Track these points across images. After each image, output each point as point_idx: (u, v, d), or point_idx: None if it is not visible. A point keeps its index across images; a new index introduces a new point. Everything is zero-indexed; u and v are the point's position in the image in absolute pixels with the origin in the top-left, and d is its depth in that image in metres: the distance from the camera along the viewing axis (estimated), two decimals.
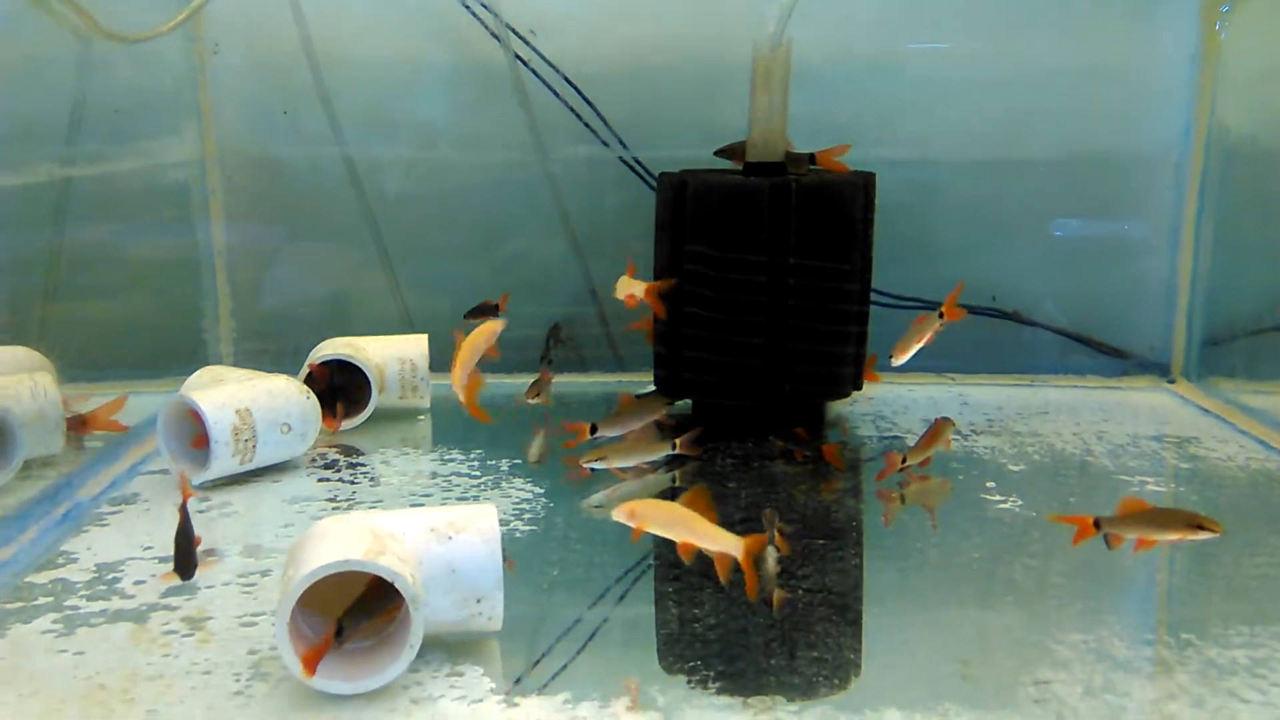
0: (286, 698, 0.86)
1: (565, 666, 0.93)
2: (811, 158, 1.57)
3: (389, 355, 1.61)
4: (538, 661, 0.93)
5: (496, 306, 1.72)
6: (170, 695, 0.87)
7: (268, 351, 1.82)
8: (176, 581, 1.00)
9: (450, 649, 0.94)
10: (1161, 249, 1.81)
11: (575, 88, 1.79)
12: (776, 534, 1.11)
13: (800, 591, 1.05)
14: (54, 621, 0.99)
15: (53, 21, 1.30)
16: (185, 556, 0.98)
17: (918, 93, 1.79)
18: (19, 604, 1.02)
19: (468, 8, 1.76)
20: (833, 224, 1.47)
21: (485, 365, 1.24)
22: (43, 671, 0.90)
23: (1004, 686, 0.89)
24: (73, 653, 0.93)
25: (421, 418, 1.64)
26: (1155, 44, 1.77)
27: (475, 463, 1.42)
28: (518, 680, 0.90)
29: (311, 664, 0.84)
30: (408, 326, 1.84)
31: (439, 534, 0.92)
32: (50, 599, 1.03)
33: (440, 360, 1.60)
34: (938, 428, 1.36)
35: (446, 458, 1.45)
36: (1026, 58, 1.78)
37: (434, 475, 1.38)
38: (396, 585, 0.86)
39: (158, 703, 0.86)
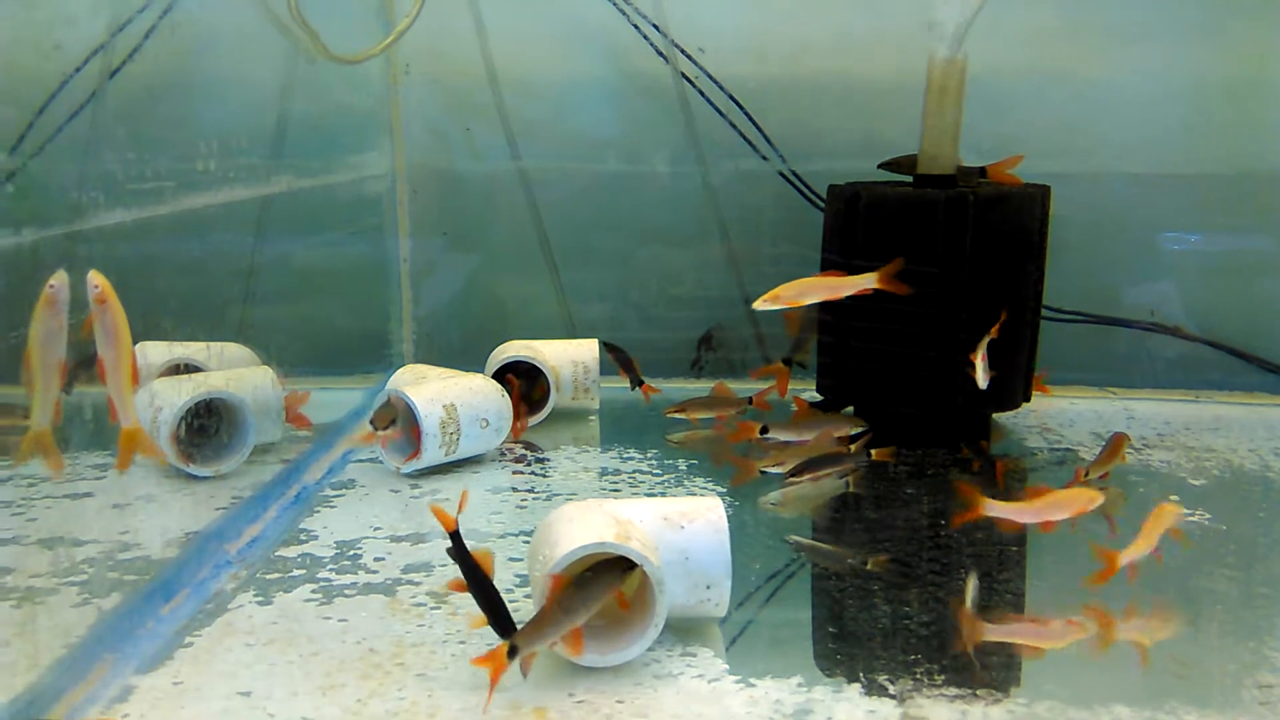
0: (542, 668, 0.94)
1: (790, 652, 0.98)
2: (983, 171, 1.59)
3: (563, 358, 1.70)
4: (726, 638, 0.99)
5: (635, 367, 1.73)
6: (435, 661, 0.95)
7: (442, 351, 1.94)
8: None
9: (678, 632, 1.01)
10: None
11: (738, 103, 1.86)
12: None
13: (1007, 596, 1.08)
14: (313, 591, 1.09)
15: (291, 44, 1.42)
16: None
17: (1084, 106, 1.80)
18: (276, 575, 1.13)
19: (637, 28, 1.85)
20: (1009, 237, 1.49)
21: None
22: (317, 635, 1.00)
23: (1226, 689, 0.91)
24: (337, 620, 1.03)
25: (592, 418, 1.72)
26: None
27: (654, 461, 1.49)
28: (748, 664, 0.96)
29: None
30: (569, 331, 1.94)
31: (671, 522, 0.99)
32: (303, 571, 1.14)
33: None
34: (1117, 441, 1.38)
35: (624, 455, 1.52)
36: (1196, 71, 1.77)
37: (617, 472, 1.45)
38: (644, 568, 0.92)
39: (426, 668, 0.94)
